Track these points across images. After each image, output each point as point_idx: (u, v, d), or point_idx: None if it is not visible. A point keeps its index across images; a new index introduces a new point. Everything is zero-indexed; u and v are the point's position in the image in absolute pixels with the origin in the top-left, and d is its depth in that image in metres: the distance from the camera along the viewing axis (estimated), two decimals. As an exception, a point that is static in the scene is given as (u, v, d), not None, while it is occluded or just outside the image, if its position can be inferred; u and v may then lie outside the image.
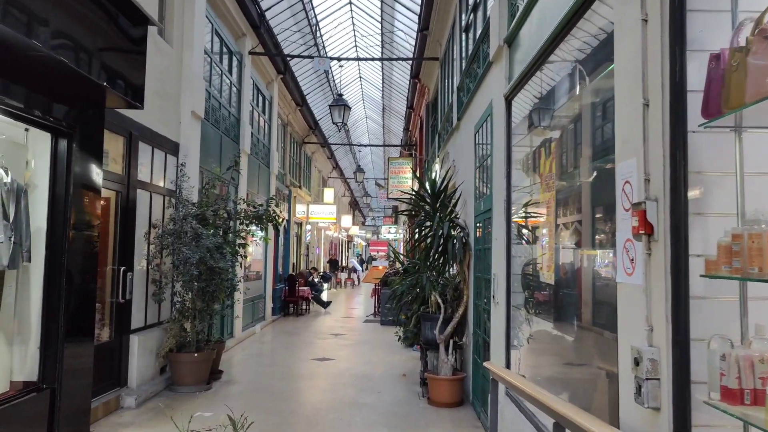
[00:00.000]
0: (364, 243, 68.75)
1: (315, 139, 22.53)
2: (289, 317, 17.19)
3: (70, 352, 5.57)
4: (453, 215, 8.20)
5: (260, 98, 14.66)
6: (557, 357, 4.44)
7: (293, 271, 19.50)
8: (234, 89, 12.03)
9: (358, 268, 35.33)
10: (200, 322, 8.09)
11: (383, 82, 21.00)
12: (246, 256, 9.23)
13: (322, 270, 27.21)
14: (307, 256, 24.34)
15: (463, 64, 8.79)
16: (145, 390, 7.33)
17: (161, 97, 8.14)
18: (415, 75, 15.60)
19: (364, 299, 24.15)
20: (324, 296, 21.22)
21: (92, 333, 6.00)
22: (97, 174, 5.96)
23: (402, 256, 10.39)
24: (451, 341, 7.65)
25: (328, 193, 25.25)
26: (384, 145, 24.75)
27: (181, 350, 7.87)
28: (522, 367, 5.20)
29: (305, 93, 19.30)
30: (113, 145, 7.00)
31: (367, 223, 64.61)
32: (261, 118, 14.73)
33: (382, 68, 20.30)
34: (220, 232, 8.38)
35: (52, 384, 5.40)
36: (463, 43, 8.93)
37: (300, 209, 21.01)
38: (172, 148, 8.51)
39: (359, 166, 24.32)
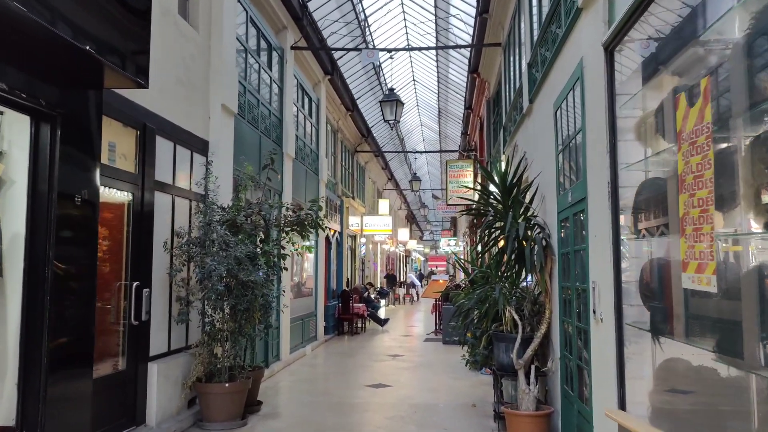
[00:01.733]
0: (422, 258, 67.31)
1: (368, 147, 21.42)
2: (343, 336, 15.97)
3: (58, 389, 4.46)
4: (529, 213, 6.80)
5: (306, 100, 13.61)
6: (722, 400, 3.00)
7: (347, 286, 18.32)
8: (275, 87, 10.97)
9: (417, 283, 33.94)
10: (233, 346, 6.92)
11: (438, 83, 19.70)
12: (286, 268, 8.04)
13: (378, 285, 25.96)
14: (363, 270, 23.16)
15: (535, 36, 7.41)
16: (166, 428, 6.18)
17: (185, 87, 7.09)
18: (473, 69, 14.25)
19: (424, 316, 22.75)
20: (381, 313, 19.94)
21: (90, 363, 4.88)
22: (92, 168, 4.87)
23: (466, 263, 8.97)
24: (533, 367, 6.21)
25: (383, 205, 24.07)
26: (441, 151, 23.44)
27: (212, 380, 6.71)
28: (650, 411, 3.75)
29: (356, 97, 18.22)
30: (123, 138, 5.95)
31: (425, 238, 63.21)
32: (308, 122, 13.66)
33: (437, 66, 19.03)
34: (256, 241, 7.22)
35: (33, 429, 4.28)
36: (534, 9, 7.55)
37: (353, 221, 19.87)
38: (199, 146, 7.44)
39: (415, 174, 23.04)
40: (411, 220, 46.54)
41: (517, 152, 8.64)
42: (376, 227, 21.28)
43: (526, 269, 6.56)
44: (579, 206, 5.10)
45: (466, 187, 15.30)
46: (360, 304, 16.90)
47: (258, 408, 7.47)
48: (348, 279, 19.50)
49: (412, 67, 20.41)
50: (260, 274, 6.76)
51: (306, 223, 7.67)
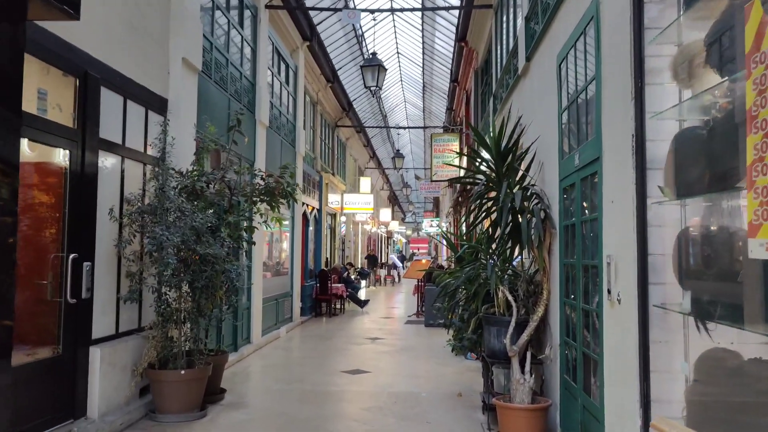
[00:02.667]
0: (404, 240, 66.73)
1: (349, 122, 20.54)
2: (321, 318, 15.25)
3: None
4: (526, 182, 6.08)
5: (283, 66, 12.72)
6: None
7: (326, 266, 17.56)
8: (247, 48, 10.08)
9: (399, 264, 33.27)
10: (192, 328, 6.15)
11: (423, 54, 18.81)
12: (254, 243, 7.25)
13: (359, 266, 25.24)
14: (343, 251, 22.41)
15: (534, -15, 6.64)
16: (111, 421, 5.41)
17: (139, 34, 6.23)
18: (461, 37, 13.44)
19: (405, 297, 22.11)
20: (362, 294, 19.24)
21: (6, 351, 4.08)
22: (10, 118, 4.03)
23: (453, 237, 8.19)
24: (528, 354, 5.52)
25: (365, 183, 23.27)
26: (425, 127, 22.62)
27: (167, 366, 5.94)
28: (687, 412, 3.05)
29: (337, 68, 17.32)
30: (58, 86, 5.10)
31: (407, 220, 62.54)
32: (284, 90, 12.78)
33: (423, 36, 18.15)
34: (219, 211, 6.43)
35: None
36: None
37: (333, 199, 19.06)
38: (156, 103, 6.59)
39: (398, 151, 22.23)
40: (393, 201, 45.81)
41: (511, 118, 7.89)
42: (357, 205, 20.49)
43: (522, 244, 5.85)
44: (589, 169, 4.37)
45: (456, 153, 14.56)
46: (339, 285, 16.16)
47: (221, 396, 6.73)
48: (327, 259, 18.74)
49: (396, 37, 19.51)
50: (222, 247, 5.96)
51: (276, 192, 6.87)
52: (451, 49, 16.08)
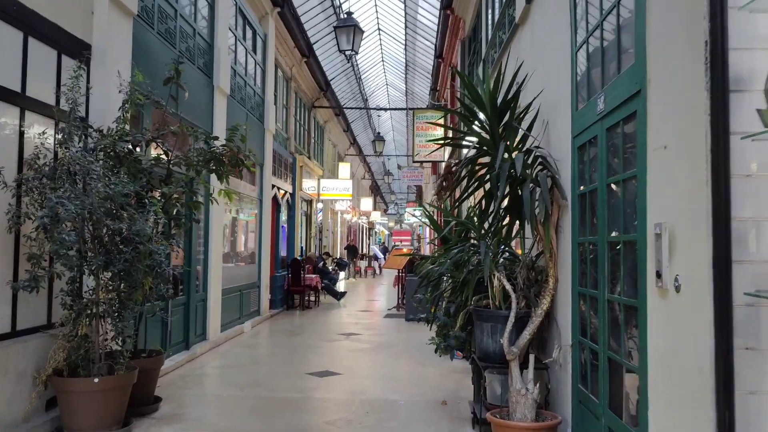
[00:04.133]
0: (386, 232, 65.65)
1: (327, 103, 19.29)
2: (293, 311, 14.04)
3: None
4: (528, 144, 4.94)
5: (249, 32, 11.44)
6: None
7: (300, 255, 16.35)
8: (202, 2, 8.81)
9: (380, 255, 32.14)
10: (117, 324, 4.93)
11: (406, 29, 17.55)
12: (197, 220, 6.04)
13: (338, 256, 24.05)
14: (320, 240, 21.18)
15: None
16: (-2, 445, 4.21)
17: (45, -42, 4.97)
18: (447, 4, 12.28)
19: (386, 290, 20.96)
20: (340, 286, 18.08)
21: None
22: None
23: (437, 211, 6.95)
24: (531, 357, 4.40)
25: (344, 168, 22.05)
26: (408, 108, 21.40)
27: (78, 372, 4.73)
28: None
29: (313, 42, 16.06)
30: None
31: (389, 211, 61.41)
32: (251, 58, 11.52)
33: (405, 8, 16.92)
34: (153, 181, 5.22)
35: None
36: None
37: (309, 185, 17.83)
38: (71, 46, 5.33)
39: (378, 134, 20.99)
40: (375, 191, 44.63)
41: (509, 69, 6.73)
42: (335, 191, 19.27)
43: (523, 220, 4.72)
44: (621, 112, 3.24)
45: (440, 125, 13.40)
46: (313, 275, 14.97)
47: (155, 407, 5.52)
48: (303, 248, 17.53)
49: (377, 11, 18.25)
50: (148, 224, 4.73)
51: (225, 159, 5.66)
52: (436, 21, 14.91)
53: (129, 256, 4.52)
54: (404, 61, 20.15)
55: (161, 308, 6.25)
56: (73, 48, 5.35)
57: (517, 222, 4.95)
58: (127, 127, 5.24)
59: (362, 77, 22.33)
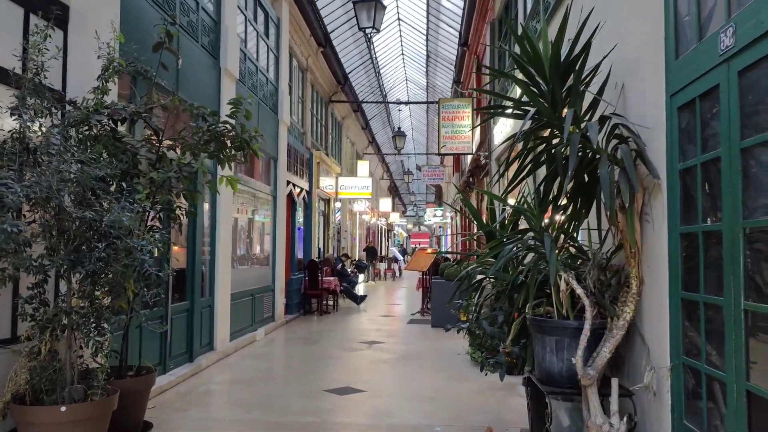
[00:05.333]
0: (404, 234, 64.75)
1: (344, 97, 18.39)
2: (311, 316, 13.12)
3: None
4: (599, 113, 3.95)
5: (261, 14, 10.56)
6: None
7: (318, 256, 15.44)
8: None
9: (400, 257, 31.12)
10: (93, 337, 4.02)
11: (428, 14, 16.50)
12: (194, 212, 5.11)
13: (357, 258, 23.12)
14: (338, 241, 20.26)
15: None
16: (-67, 495, 3.31)
17: None
18: (475, -17, 11.31)
19: (407, 293, 19.99)
20: (359, 289, 17.15)
21: None
22: None
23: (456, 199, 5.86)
24: (614, 383, 3.41)
25: (363, 167, 21.11)
26: (429, 102, 20.47)
27: (41, 398, 3.83)
28: None
29: (330, 30, 15.17)
30: None
31: (408, 213, 60.47)
32: (263, 43, 10.63)
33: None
34: (131, 162, 4.31)
35: None
36: None
37: (327, 183, 16.92)
38: (41, 4, 4.45)
39: (399, 129, 20.00)
40: (394, 192, 43.69)
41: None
42: (354, 190, 18.32)
43: (597, 205, 3.73)
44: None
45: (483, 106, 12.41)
46: (331, 278, 14.04)
47: (145, 436, 4.62)
48: (320, 249, 16.63)
49: (396, 1, 17.29)
50: (133, 215, 3.80)
51: (224, 139, 4.73)
52: (461, 5, 13.93)
53: (102, 254, 3.59)
54: (425, 52, 19.16)
55: (149, 318, 5.33)
56: (45, 7, 4.46)
57: (585, 209, 3.97)
58: (108, 99, 4.33)
59: (381, 72, 21.38)
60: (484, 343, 7.67)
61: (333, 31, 15.55)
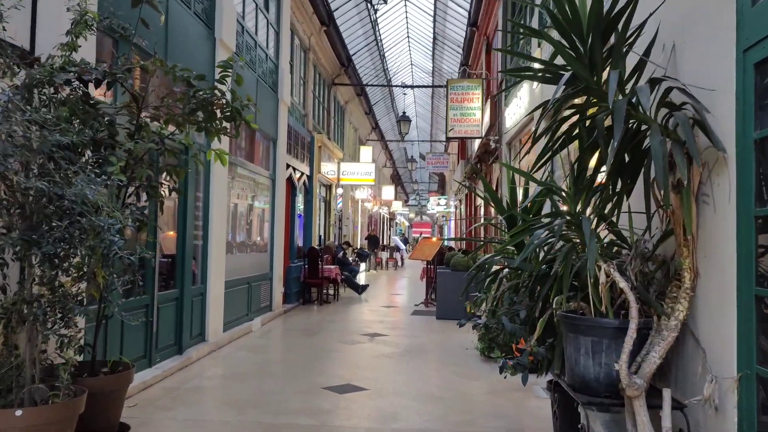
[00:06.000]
0: (407, 223, 64.29)
1: (348, 80, 17.80)
2: (310, 306, 12.62)
3: None
4: (640, 78, 3.39)
5: (260, -14, 9.98)
6: None
7: (318, 244, 14.92)
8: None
9: (402, 246, 30.62)
10: (61, 329, 3.50)
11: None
12: (180, 192, 4.55)
13: (358, 246, 22.60)
14: (340, 228, 19.74)
15: None
16: None
17: None
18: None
19: (410, 283, 19.49)
20: (361, 279, 16.65)
21: None
22: None
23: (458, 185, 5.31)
24: (667, 394, 2.89)
25: (366, 152, 20.55)
26: (434, 86, 19.85)
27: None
28: None
29: (333, 9, 14.56)
30: None
31: (410, 203, 59.93)
32: (261, 16, 10.04)
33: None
34: (104, 130, 3.77)
35: None
36: None
37: (328, 168, 16.37)
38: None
39: (404, 113, 19.38)
40: (396, 181, 43.13)
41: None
42: (357, 176, 17.76)
43: (647, 186, 3.18)
44: None
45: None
46: (332, 267, 13.51)
47: (119, 441, 4.11)
48: (321, 237, 16.11)
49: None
50: (101, 188, 3.26)
51: (213, 108, 4.18)
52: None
53: (61, 234, 3.06)
54: (432, 34, 18.51)
55: (132, 307, 4.82)
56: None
57: (628, 189, 3.43)
58: (78, 57, 3.78)
59: (385, 55, 20.76)
60: (496, 338, 7.18)
61: (336, 9, 14.94)
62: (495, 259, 4.34)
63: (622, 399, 3.07)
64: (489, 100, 11.89)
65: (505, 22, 10.80)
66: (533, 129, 3.64)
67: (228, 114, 4.33)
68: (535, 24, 7.87)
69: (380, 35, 18.83)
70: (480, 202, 16.84)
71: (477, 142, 14.66)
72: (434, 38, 18.59)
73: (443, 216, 40.25)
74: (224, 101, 4.22)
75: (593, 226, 3.67)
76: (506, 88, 8.87)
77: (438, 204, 33.07)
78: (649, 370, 2.95)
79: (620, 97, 3.17)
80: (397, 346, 8.17)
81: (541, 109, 3.63)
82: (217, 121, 4.33)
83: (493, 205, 4.52)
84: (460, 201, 25.12)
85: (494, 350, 7.15)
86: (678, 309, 3.02)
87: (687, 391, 3.12)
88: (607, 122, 3.13)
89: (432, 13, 17.18)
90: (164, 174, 4.37)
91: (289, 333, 9.34)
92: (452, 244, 17.62)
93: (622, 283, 3.07)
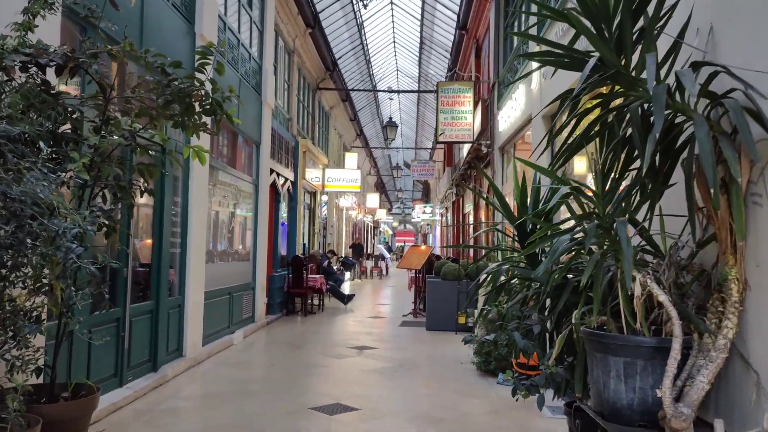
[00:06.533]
0: (390, 231, 63.90)
1: (332, 85, 17.39)
2: (295, 317, 12.12)
3: None
4: (674, 63, 3.01)
5: (243, -18, 9.55)
6: None
7: (303, 253, 14.44)
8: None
9: (387, 255, 30.18)
10: (11, 350, 3.03)
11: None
12: (151, 191, 4.07)
13: (342, 255, 22.13)
14: (324, 237, 19.26)
15: None
16: None
17: None
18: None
19: (396, 292, 19.05)
20: (346, 288, 16.17)
21: None
22: None
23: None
24: (718, 425, 2.49)
25: (351, 159, 20.11)
26: (420, 91, 19.48)
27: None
28: None
29: (319, 10, 14.15)
30: None
31: (394, 211, 59.58)
32: (244, 12, 9.60)
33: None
34: (61, 118, 3.32)
35: None
36: None
37: (313, 175, 15.91)
38: None
39: (391, 119, 18.99)
40: (380, 189, 42.73)
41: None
42: (342, 182, 17.32)
43: (689, 185, 2.78)
44: None
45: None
46: (317, 276, 13.04)
47: (80, 476, 3.61)
48: (305, 245, 15.63)
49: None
50: (40, 183, 2.78)
51: (190, 100, 3.74)
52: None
53: (8, 240, 2.59)
54: (419, 38, 18.16)
55: (101, 322, 4.34)
56: None
57: (659, 191, 3.04)
58: (34, 38, 3.32)
59: (371, 61, 20.39)
60: (493, 352, 6.78)
61: (322, 11, 14.54)
62: (503, 268, 3.92)
63: (661, 429, 2.67)
64: (480, 105, 11.54)
65: (498, 21, 10.46)
66: (551, 127, 3.23)
67: (208, 107, 3.88)
68: (532, 19, 7.51)
69: (366, 39, 18.46)
70: (468, 209, 16.48)
71: (466, 148, 14.31)
72: (421, 42, 18.25)
73: (428, 224, 39.92)
74: (203, 92, 3.77)
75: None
76: (513, 80, 8.45)
77: (424, 212, 32.69)
78: (697, 397, 2.54)
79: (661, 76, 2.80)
80: (388, 360, 7.73)
81: (558, 102, 3.24)
82: (196, 116, 3.88)
83: (500, 209, 4.10)
84: (446, 209, 24.77)
85: (491, 364, 6.75)
86: (726, 326, 2.62)
87: (734, 420, 2.72)
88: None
89: (419, 17, 16.84)
90: (136, 174, 3.90)
91: (272, 346, 8.85)
92: (440, 252, 17.25)
93: (662, 297, 2.67)
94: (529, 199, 4.30)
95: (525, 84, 7.93)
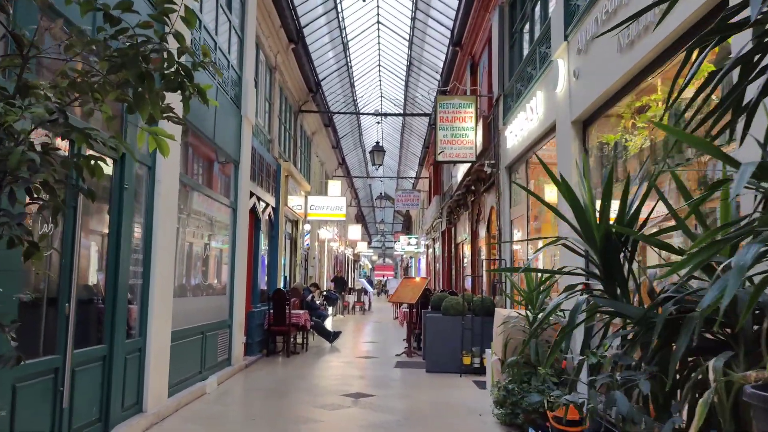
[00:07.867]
0: (369, 265, 62.69)
1: (315, 107, 16.42)
2: (276, 357, 10.85)
3: None
4: None
5: (222, -18, 8.54)
6: None
7: (284, 286, 13.21)
8: None
9: (369, 289, 28.91)
10: None
11: (415, 9, 14.54)
12: (91, 195, 2.95)
13: (325, 289, 20.87)
14: (306, 269, 18.03)
15: None
16: None
17: None
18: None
19: (381, 328, 17.84)
20: (329, 324, 14.91)
21: None
22: None
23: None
24: None
25: (333, 186, 19.04)
26: (406, 114, 18.48)
27: None
28: None
29: (303, 25, 13.22)
30: None
31: (373, 244, 58.45)
32: (222, 15, 8.58)
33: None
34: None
35: None
36: None
37: (295, 202, 14.79)
38: None
39: (378, 143, 17.99)
40: (361, 221, 41.64)
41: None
42: (326, 210, 16.20)
43: None
44: None
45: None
46: (300, 312, 11.81)
47: None
48: (286, 278, 14.42)
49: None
50: None
51: (145, 66, 2.64)
52: (454, 4, 12.16)
53: None
54: (407, 59, 17.29)
55: (34, 372, 3.15)
56: None
57: None
58: None
59: (355, 84, 19.52)
60: (520, 402, 5.66)
61: (307, 25, 13.61)
62: (583, 301, 2.84)
63: None
64: (481, 122, 10.59)
65: (501, 31, 9.57)
66: (669, 90, 2.17)
67: (172, 78, 2.77)
68: (556, 18, 6.58)
69: (351, 61, 17.59)
70: (462, 238, 15.43)
71: (460, 173, 13.35)
72: (409, 64, 17.40)
73: (411, 256, 38.82)
74: (165, 54, 2.68)
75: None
76: (533, 83, 7.49)
77: (408, 243, 31.59)
78: None
79: None
80: (389, 411, 6.54)
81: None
82: (153, 86, 2.77)
83: (574, 222, 3.02)
84: (433, 239, 23.74)
85: (518, 417, 5.64)
86: None
87: None
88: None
89: (408, 38, 16.00)
90: (71, 168, 2.77)
91: (252, 394, 7.60)
92: (430, 285, 16.13)
93: None
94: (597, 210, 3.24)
95: (544, 90, 6.99)
